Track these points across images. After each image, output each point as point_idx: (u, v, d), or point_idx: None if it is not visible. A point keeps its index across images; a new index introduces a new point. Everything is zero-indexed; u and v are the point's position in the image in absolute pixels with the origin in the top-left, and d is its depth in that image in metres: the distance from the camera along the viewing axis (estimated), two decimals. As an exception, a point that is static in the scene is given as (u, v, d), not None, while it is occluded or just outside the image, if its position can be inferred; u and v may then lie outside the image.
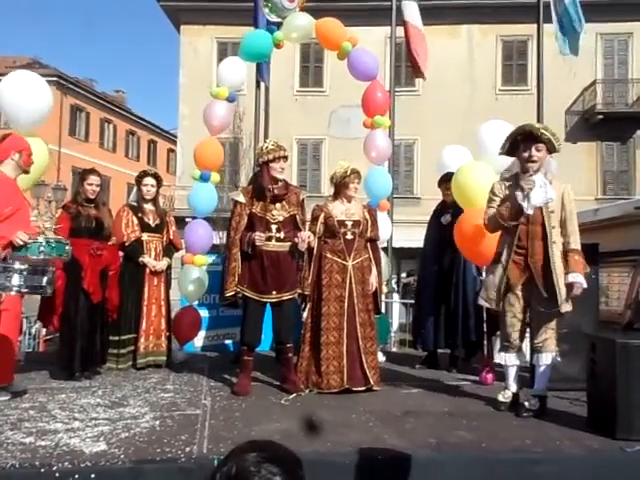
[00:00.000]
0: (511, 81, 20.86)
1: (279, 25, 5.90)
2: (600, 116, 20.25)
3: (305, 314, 4.91)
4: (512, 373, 4.19)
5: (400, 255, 15.89)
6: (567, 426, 3.64)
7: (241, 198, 4.61)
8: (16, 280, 3.70)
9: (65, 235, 4.64)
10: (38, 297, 8.51)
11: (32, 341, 8.17)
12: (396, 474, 2.98)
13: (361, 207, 4.90)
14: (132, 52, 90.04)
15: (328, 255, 4.70)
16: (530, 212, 3.92)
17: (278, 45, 5.81)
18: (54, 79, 27.57)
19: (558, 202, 4.01)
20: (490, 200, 4.17)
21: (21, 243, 3.82)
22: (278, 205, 4.57)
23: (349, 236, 4.71)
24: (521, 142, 4.06)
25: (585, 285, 3.98)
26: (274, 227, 4.54)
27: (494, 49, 20.96)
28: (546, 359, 4.04)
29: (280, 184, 4.58)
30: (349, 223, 4.72)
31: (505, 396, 4.16)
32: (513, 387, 4.19)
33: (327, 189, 14.79)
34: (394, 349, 8.18)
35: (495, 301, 4.10)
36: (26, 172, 4.43)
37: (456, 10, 20.34)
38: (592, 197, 19.67)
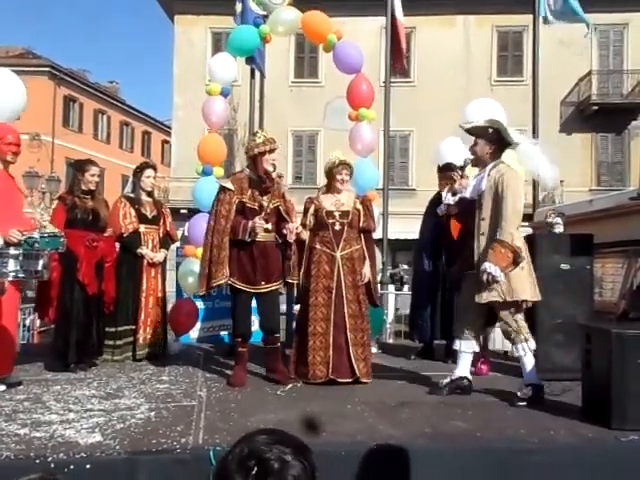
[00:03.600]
0: (506, 72, 20.84)
1: (266, 18, 5.88)
2: (595, 107, 20.27)
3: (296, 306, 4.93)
4: (467, 360, 4.27)
5: (395, 247, 15.89)
6: (562, 416, 3.65)
7: (230, 185, 4.57)
8: (12, 265, 3.69)
9: (60, 227, 4.62)
10: (30, 289, 8.48)
11: (26, 333, 8.15)
12: (391, 464, 2.99)
13: (353, 198, 4.88)
14: (126, 42, 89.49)
15: (317, 246, 4.71)
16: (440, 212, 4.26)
17: (265, 39, 5.82)
18: (47, 69, 27.40)
19: (490, 192, 4.05)
20: None
21: (15, 241, 3.81)
22: (265, 197, 4.59)
23: (337, 227, 4.71)
24: None
25: (492, 272, 3.87)
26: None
27: (489, 39, 20.92)
28: (517, 350, 4.07)
29: (269, 176, 4.59)
30: (337, 214, 4.72)
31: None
32: (462, 372, 4.23)
33: (323, 180, 14.78)
34: (390, 340, 8.20)
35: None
36: (8, 162, 4.35)
37: (451, 0, 20.27)
38: (586, 188, 19.73)
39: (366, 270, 4.78)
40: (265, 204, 4.56)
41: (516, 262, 3.97)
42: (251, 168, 4.62)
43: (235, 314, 4.68)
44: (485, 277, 3.90)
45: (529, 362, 4.09)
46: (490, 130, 4.16)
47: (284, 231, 4.53)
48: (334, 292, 4.61)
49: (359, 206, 4.84)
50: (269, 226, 4.54)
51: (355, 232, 4.79)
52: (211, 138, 5.85)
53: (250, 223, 4.43)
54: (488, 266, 3.89)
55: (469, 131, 4.30)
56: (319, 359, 4.55)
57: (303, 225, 4.68)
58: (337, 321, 4.58)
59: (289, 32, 6.03)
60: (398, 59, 8.23)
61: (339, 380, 4.53)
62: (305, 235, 4.69)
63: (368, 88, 5.87)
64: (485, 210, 4.05)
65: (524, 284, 4.02)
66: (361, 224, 4.82)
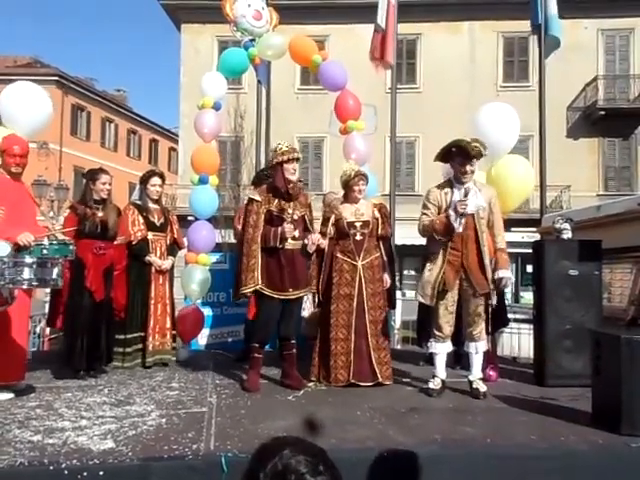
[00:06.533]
0: (512, 77, 20.85)
1: (253, 40, 6.15)
2: (602, 112, 20.23)
3: (305, 313, 5.01)
4: (442, 361, 4.55)
5: (402, 252, 15.88)
6: (572, 422, 3.65)
7: (257, 196, 4.69)
8: (26, 274, 3.73)
9: (70, 236, 4.66)
10: (40, 297, 8.52)
11: (37, 340, 8.20)
12: (401, 470, 3.00)
13: (371, 206, 4.98)
14: (133, 51, 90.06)
15: (338, 255, 4.84)
16: (460, 230, 4.35)
17: (254, 60, 6.11)
18: (55, 78, 27.62)
19: (486, 208, 4.45)
20: (425, 207, 4.55)
21: (25, 244, 3.84)
22: (291, 205, 4.67)
23: (358, 237, 4.83)
24: (457, 154, 4.42)
25: (510, 277, 4.53)
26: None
27: (495, 45, 20.95)
28: (483, 347, 4.51)
29: (293, 185, 4.66)
30: (358, 224, 4.84)
31: (435, 383, 4.47)
32: (443, 374, 4.53)
33: (329, 187, 14.81)
34: (398, 346, 8.19)
35: (430, 297, 4.47)
36: (15, 173, 4.40)
37: (457, 6, 20.32)
38: (594, 193, 19.67)
39: (386, 275, 4.94)
40: (291, 212, 4.64)
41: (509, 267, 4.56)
42: (274, 177, 4.70)
43: (259, 320, 4.75)
44: (505, 282, 4.45)
45: (481, 360, 4.54)
46: (481, 150, 4.41)
47: (305, 241, 4.62)
48: (355, 300, 4.76)
49: (377, 214, 4.95)
50: (296, 233, 4.62)
51: (374, 240, 4.93)
52: (204, 148, 6.06)
53: (280, 229, 4.53)
54: (504, 272, 4.42)
55: (478, 150, 4.39)
56: (341, 363, 4.71)
57: (322, 234, 4.78)
58: (358, 327, 4.73)
59: (277, 56, 6.29)
60: (383, 53, 8.13)
61: (360, 384, 4.66)
62: (324, 244, 4.77)
63: (355, 103, 6.13)
64: (483, 223, 4.44)
65: None
66: (380, 232, 4.95)
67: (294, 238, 4.63)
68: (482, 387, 4.41)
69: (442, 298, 4.43)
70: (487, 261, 4.42)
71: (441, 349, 4.50)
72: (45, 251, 3.88)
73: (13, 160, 4.36)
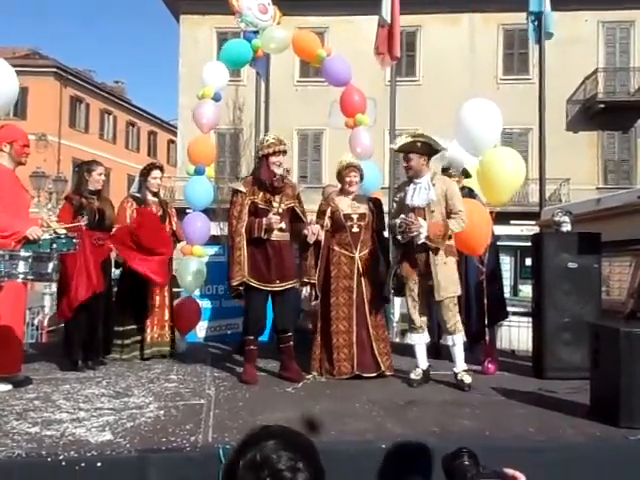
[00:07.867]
0: (512, 70, 20.78)
1: (257, 33, 6.15)
2: (601, 105, 20.19)
3: (313, 304, 5.04)
4: (421, 351, 4.62)
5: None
6: (570, 414, 3.65)
7: (242, 188, 4.68)
8: (22, 267, 3.72)
9: (73, 230, 4.65)
10: (39, 289, 8.51)
11: (35, 332, 8.20)
12: (400, 463, 3.00)
13: (366, 199, 4.99)
14: (132, 42, 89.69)
15: (335, 248, 4.84)
16: (404, 241, 4.43)
17: (257, 52, 6.11)
18: (53, 70, 27.52)
19: (441, 200, 4.47)
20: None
21: (35, 237, 3.84)
22: (277, 197, 4.66)
23: (355, 229, 4.84)
24: None
25: (421, 232, 4.32)
26: None
27: (495, 38, 20.87)
28: (459, 339, 4.53)
29: (278, 177, 4.65)
30: (355, 216, 4.85)
31: (416, 373, 4.56)
32: (424, 365, 4.61)
33: (328, 179, 14.78)
34: (396, 339, 8.19)
35: (386, 288, 4.76)
36: (21, 163, 4.41)
37: (457, -2, 20.22)
38: (593, 186, 19.66)
39: (382, 268, 4.91)
40: (276, 204, 4.63)
41: (445, 236, 4.41)
42: (260, 168, 4.69)
43: (248, 312, 4.75)
44: (407, 225, 4.33)
45: (462, 352, 4.54)
46: (419, 144, 4.48)
47: (305, 232, 4.61)
48: (355, 292, 4.78)
49: (372, 207, 4.95)
50: (283, 225, 4.61)
51: (370, 232, 4.92)
52: (201, 139, 6.08)
53: (265, 220, 4.52)
54: (420, 226, 4.32)
55: (399, 150, 4.58)
56: (344, 356, 4.73)
57: (320, 226, 4.77)
58: (359, 319, 4.76)
59: (280, 49, 6.29)
60: (390, 48, 8.10)
61: (364, 375, 4.70)
62: (322, 236, 4.77)
63: (360, 97, 6.16)
64: (436, 216, 4.44)
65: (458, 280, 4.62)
66: (375, 225, 4.94)
67: (281, 230, 4.63)
68: (467, 379, 4.43)
69: (410, 289, 4.53)
70: (437, 255, 4.42)
71: (417, 340, 4.59)
72: (55, 245, 3.88)
73: (24, 151, 4.39)
